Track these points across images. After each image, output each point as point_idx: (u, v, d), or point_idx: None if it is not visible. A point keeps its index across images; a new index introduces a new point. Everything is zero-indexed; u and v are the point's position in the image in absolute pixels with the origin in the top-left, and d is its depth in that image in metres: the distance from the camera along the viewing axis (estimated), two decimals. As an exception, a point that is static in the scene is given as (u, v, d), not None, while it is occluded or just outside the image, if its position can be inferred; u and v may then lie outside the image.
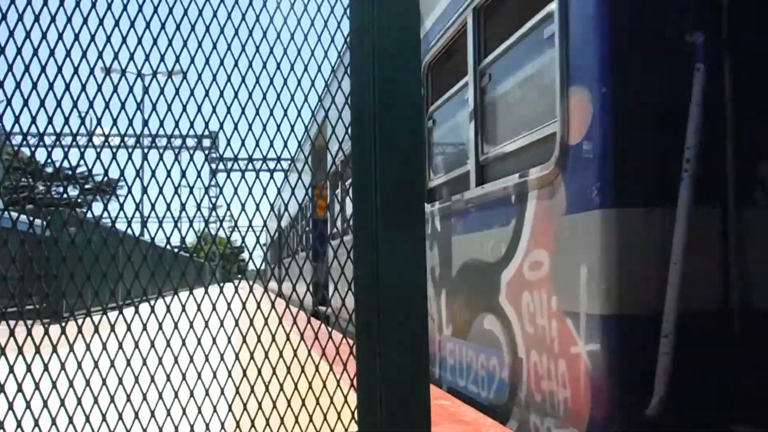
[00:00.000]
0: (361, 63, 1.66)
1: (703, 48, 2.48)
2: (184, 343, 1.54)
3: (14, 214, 1.62)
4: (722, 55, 2.50)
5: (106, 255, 1.61)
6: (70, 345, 1.50)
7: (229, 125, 1.63)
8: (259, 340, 1.58)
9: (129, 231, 1.73)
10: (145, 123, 1.73)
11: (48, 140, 1.63)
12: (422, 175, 1.75)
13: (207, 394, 1.55)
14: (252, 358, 1.58)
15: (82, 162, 1.68)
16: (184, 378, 1.56)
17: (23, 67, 1.54)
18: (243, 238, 1.66)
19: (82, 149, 1.65)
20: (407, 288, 1.65)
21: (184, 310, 1.60)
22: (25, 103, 1.54)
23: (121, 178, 1.68)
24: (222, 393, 1.57)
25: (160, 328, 1.55)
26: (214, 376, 1.56)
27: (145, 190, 1.65)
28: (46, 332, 1.50)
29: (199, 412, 1.54)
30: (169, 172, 1.63)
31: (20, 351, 1.46)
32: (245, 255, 1.77)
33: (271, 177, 1.75)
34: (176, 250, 1.87)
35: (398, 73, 1.68)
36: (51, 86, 1.54)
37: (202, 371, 1.55)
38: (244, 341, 1.58)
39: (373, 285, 1.65)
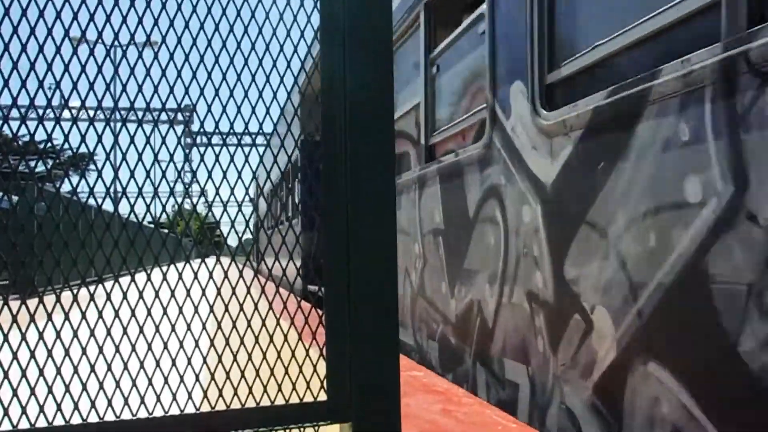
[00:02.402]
0: (331, 29, 1.64)
1: None
2: (149, 313, 1.51)
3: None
4: None
5: (68, 228, 1.56)
6: (32, 317, 1.46)
7: (195, 92, 1.59)
8: (226, 310, 1.56)
9: (91, 202, 1.68)
10: (106, 91, 1.68)
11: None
12: (392, 151, 1.74)
13: (174, 364, 1.53)
14: (219, 327, 1.56)
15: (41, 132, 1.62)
16: (149, 349, 1.53)
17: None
18: (209, 208, 1.63)
19: (40, 118, 1.60)
20: (378, 257, 1.65)
21: (149, 280, 1.57)
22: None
23: (83, 146, 1.63)
24: (189, 363, 1.54)
25: (125, 297, 1.52)
26: (181, 346, 1.53)
27: (107, 158, 1.60)
28: (5, 303, 1.45)
29: (166, 382, 1.52)
30: (131, 140, 1.58)
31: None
32: (224, 230, 1.74)
33: (237, 147, 1.71)
34: (144, 222, 1.83)
35: (369, 47, 1.66)
36: (6, 48, 1.48)
37: (169, 341, 1.52)
38: (212, 311, 1.55)
39: (343, 254, 1.64)
